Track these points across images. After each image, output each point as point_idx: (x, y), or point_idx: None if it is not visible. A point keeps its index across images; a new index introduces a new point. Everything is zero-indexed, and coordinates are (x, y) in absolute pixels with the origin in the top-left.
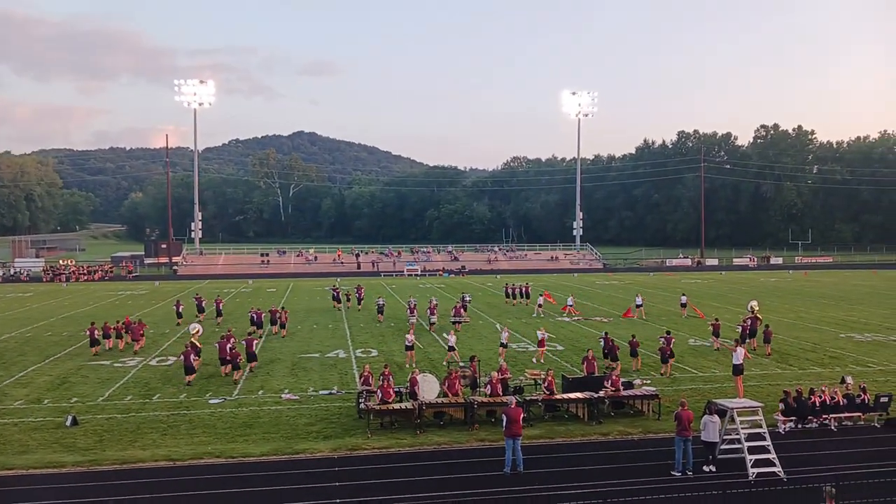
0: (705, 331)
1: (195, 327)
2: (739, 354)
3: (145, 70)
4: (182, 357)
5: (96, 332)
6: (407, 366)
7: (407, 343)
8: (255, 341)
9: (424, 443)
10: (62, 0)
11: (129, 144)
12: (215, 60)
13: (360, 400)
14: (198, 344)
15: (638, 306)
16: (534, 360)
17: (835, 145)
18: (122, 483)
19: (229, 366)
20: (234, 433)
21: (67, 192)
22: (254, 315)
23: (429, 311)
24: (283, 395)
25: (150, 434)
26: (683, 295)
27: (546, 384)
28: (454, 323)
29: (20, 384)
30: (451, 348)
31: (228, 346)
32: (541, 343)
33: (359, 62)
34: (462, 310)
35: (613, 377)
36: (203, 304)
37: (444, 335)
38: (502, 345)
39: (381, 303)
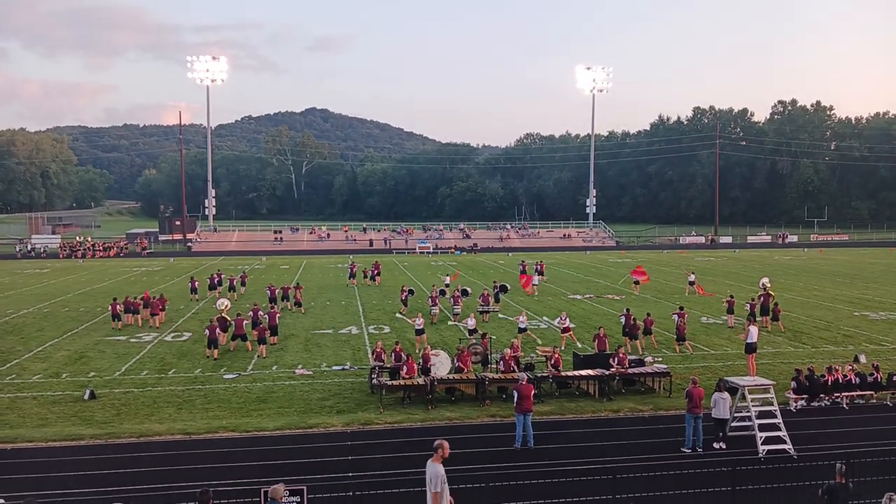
0: (718, 308)
1: (223, 302)
2: (753, 333)
3: (152, 46)
4: (207, 330)
5: (118, 306)
6: (417, 349)
7: (417, 327)
8: (279, 315)
9: (436, 418)
10: None
11: (139, 121)
12: (221, 36)
13: (373, 375)
14: (228, 318)
15: (635, 283)
16: (562, 346)
17: (853, 121)
18: (138, 455)
19: (246, 342)
20: (248, 408)
21: (82, 169)
22: (268, 290)
23: (452, 300)
24: (296, 371)
25: (166, 408)
26: (692, 273)
27: (553, 361)
28: (482, 313)
29: (39, 359)
30: (472, 332)
31: (244, 322)
32: (565, 329)
33: (371, 38)
34: (490, 298)
35: (620, 354)
36: (223, 278)
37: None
38: (520, 330)
39: (408, 292)
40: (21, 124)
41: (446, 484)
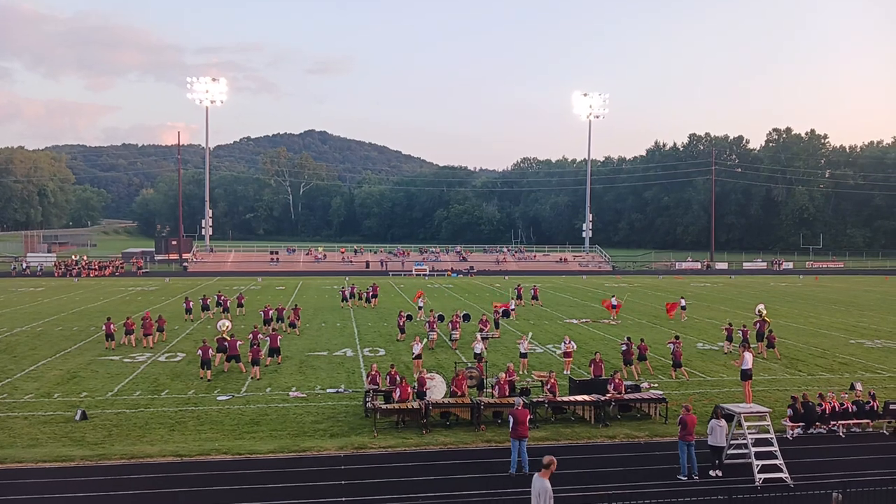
0: (714, 335)
1: (224, 323)
2: (748, 359)
3: (153, 67)
4: (200, 351)
5: (112, 326)
6: (416, 375)
7: (416, 351)
8: (280, 336)
9: (431, 443)
10: None
11: (138, 141)
12: (222, 58)
13: (367, 399)
14: (227, 339)
15: (614, 307)
16: (565, 371)
17: (848, 149)
18: (129, 478)
19: (239, 364)
20: (241, 430)
21: (80, 188)
22: (262, 312)
23: (450, 325)
24: (290, 393)
25: (158, 430)
26: (682, 298)
27: (549, 386)
28: (483, 339)
29: (31, 378)
30: (478, 356)
31: (239, 343)
32: (567, 353)
33: (370, 62)
34: (489, 324)
35: (616, 380)
36: (221, 299)
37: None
38: (522, 355)
39: (406, 318)
40: (22, 143)
41: (552, 499)
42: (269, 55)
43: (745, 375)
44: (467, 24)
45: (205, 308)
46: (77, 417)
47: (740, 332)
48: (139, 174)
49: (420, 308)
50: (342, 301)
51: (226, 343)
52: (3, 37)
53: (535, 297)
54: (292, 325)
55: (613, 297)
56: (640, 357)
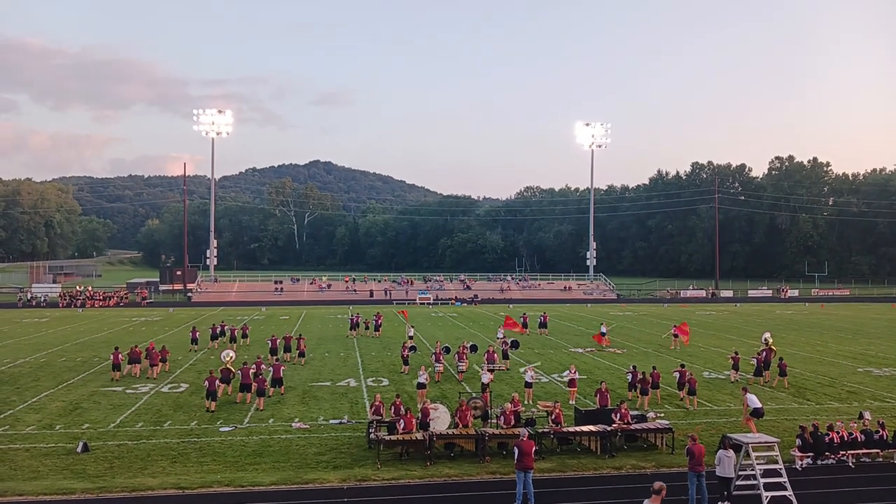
0: (720, 364)
1: (228, 354)
2: (754, 399)
3: (159, 99)
4: (207, 382)
5: (120, 356)
6: (419, 405)
7: (420, 380)
8: (283, 367)
9: (435, 475)
10: (78, 31)
11: (144, 172)
12: (228, 90)
13: (371, 430)
14: (231, 369)
15: (603, 334)
16: (570, 401)
17: (851, 177)
18: None
19: (248, 394)
20: (243, 462)
21: (86, 219)
22: (269, 342)
23: (457, 356)
24: (293, 424)
25: (160, 461)
26: (674, 325)
27: (554, 417)
28: (489, 371)
29: (33, 409)
30: (484, 387)
31: (252, 371)
32: (571, 383)
33: (374, 93)
34: (496, 355)
35: (623, 409)
36: (226, 329)
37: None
38: (527, 384)
39: (410, 349)
40: (28, 175)
41: None
42: (274, 87)
43: (758, 414)
44: (470, 54)
45: (213, 337)
46: (79, 449)
47: (754, 360)
48: (145, 205)
49: (410, 337)
50: (350, 330)
51: (231, 374)
52: (11, 71)
53: (543, 325)
54: (301, 355)
55: (602, 324)
56: (652, 385)
